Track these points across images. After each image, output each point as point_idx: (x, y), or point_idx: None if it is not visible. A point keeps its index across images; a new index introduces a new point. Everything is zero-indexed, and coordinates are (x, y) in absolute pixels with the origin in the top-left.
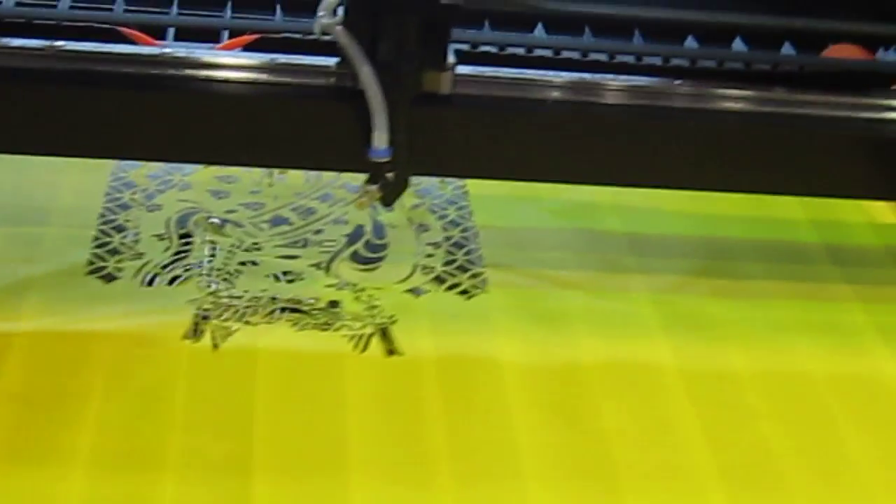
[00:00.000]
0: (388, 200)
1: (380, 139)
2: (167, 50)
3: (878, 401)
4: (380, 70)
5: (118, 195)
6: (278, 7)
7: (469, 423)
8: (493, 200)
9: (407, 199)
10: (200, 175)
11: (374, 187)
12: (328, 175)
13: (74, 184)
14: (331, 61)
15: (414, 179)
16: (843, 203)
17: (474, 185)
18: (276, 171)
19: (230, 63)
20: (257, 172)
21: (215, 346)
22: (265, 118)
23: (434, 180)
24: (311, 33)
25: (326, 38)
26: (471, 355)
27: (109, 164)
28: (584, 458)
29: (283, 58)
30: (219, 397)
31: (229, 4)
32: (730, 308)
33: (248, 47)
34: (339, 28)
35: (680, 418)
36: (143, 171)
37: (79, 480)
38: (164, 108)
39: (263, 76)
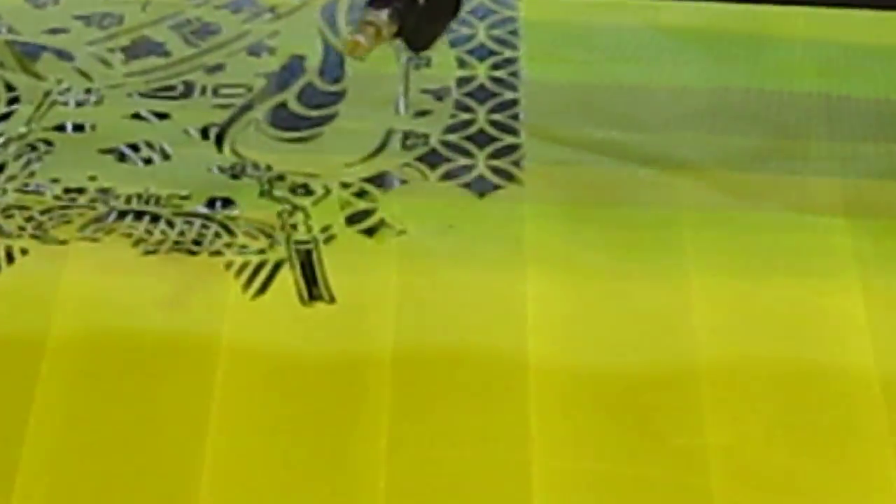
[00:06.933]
0: (416, 41)
1: None
2: None
3: None
4: None
5: None
6: None
7: (445, 450)
8: (562, 12)
9: None
10: None
11: (382, 14)
12: None
13: None
14: None
15: None
16: None
17: None
18: None
19: None
20: None
21: None
22: None
23: None
24: None
25: None
26: (467, 315)
27: None
28: None
29: None
30: None
31: None
32: None
33: None
34: None
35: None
36: None
37: None
38: None
39: None
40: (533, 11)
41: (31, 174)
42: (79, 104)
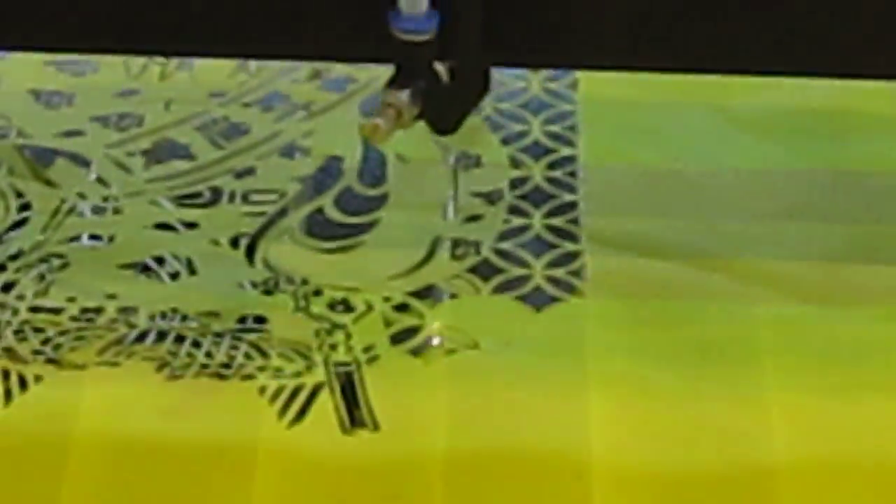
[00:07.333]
0: (441, 123)
1: None
2: None
3: None
4: None
5: None
6: None
7: None
8: (623, 106)
9: None
10: (20, 61)
11: (402, 95)
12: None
13: None
14: None
15: None
16: None
17: (591, 79)
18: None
19: None
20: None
21: None
22: None
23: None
24: None
25: None
26: (525, 442)
27: None
28: None
29: None
30: None
31: None
32: None
33: None
34: None
35: None
36: None
37: None
38: None
39: None
40: (592, 102)
41: (45, 291)
42: (96, 213)
